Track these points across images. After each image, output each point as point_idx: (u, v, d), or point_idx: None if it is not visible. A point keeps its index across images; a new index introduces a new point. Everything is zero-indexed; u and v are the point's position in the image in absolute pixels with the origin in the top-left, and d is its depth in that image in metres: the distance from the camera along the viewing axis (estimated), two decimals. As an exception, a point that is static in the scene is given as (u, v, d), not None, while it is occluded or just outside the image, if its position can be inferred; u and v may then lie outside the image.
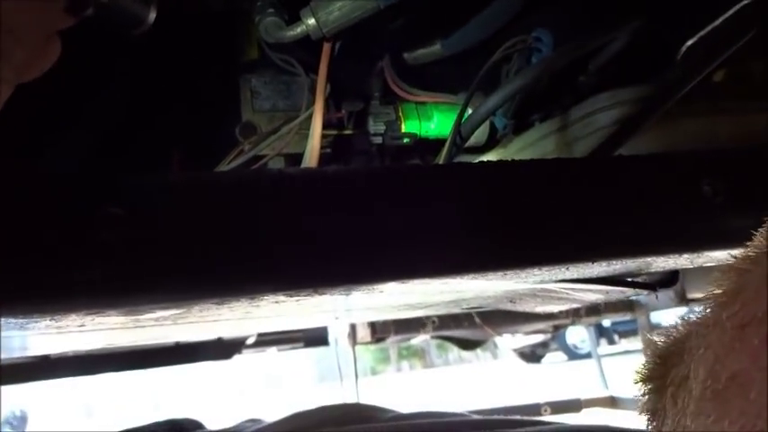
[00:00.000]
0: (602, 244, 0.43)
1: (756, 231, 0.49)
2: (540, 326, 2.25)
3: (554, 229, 0.42)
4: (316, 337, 2.18)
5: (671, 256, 0.45)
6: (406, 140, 0.70)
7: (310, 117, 0.60)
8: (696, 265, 0.51)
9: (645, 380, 0.25)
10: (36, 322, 0.41)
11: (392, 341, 2.29)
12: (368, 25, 0.66)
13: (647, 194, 0.44)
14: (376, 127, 0.70)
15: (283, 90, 0.73)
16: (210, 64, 0.74)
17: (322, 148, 0.72)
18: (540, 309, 0.70)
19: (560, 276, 0.49)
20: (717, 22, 0.64)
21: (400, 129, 0.70)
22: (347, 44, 0.72)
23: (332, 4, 0.53)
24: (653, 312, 2.35)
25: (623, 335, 7.83)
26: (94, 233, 0.37)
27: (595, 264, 0.44)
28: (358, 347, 2.19)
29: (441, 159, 0.61)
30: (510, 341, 7.29)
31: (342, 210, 0.40)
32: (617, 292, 0.57)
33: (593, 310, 2.18)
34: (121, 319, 0.47)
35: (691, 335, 0.24)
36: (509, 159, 0.44)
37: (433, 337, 2.39)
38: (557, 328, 2.44)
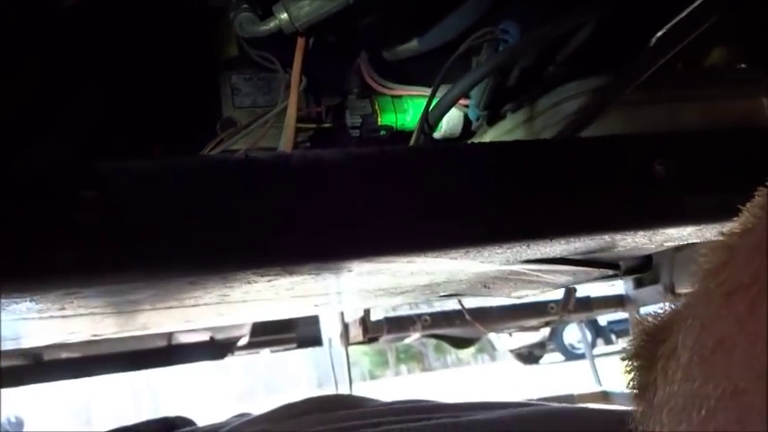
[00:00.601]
0: (556, 221, 0.45)
1: (712, 209, 0.51)
2: (532, 322, 2.27)
3: (510, 208, 0.44)
4: (308, 338, 2.20)
5: (625, 232, 0.47)
6: (382, 133, 0.72)
7: (285, 110, 0.62)
8: (656, 244, 0.53)
9: (632, 356, 0.26)
10: (16, 303, 0.43)
11: (385, 340, 2.31)
12: (343, 21, 0.68)
13: (600, 173, 0.46)
14: (353, 120, 0.72)
15: (263, 86, 0.75)
16: (191, 62, 0.76)
17: (302, 141, 0.74)
18: (515, 294, 0.72)
19: (523, 256, 0.51)
20: (684, 13, 0.66)
21: (377, 121, 0.72)
22: (325, 41, 0.74)
23: (303, -1, 0.56)
24: (643, 308, 2.37)
25: (620, 334, 7.84)
26: (69, 216, 0.39)
27: (553, 241, 0.46)
28: (355, 352, 2.20)
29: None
30: (507, 342, 7.31)
31: (304, 191, 0.42)
32: (583, 273, 0.59)
33: (583, 305, 2.19)
34: (100, 302, 0.48)
35: (679, 310, 0.24)
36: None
37: (425, 336, 2.41)
38: (547, 324, 2.46)
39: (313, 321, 2.16)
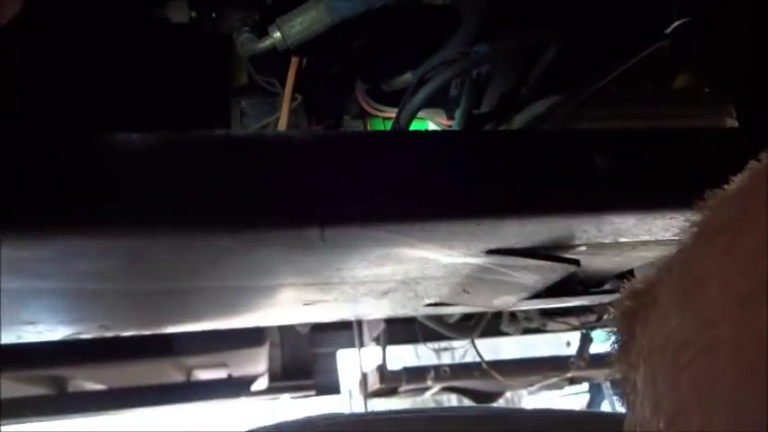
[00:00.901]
0: (504, 202, 0.50)
1: (650, 200, 0.55)
2: (553, 375, 2.23)
3: (462, 188, 0.50)
4: (327, 386, 2.24)
5: (566, 216, 0.51)
6: (373, 150, 0.79)
7: (277, 120, 0.69)
8: (607, 236, 0.57)
9: (618, 316, 0.26)
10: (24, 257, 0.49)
11: (405, 391, 2.30)
12: (343, 54, 0.77)
13: (544, 161, 0.51)
14: (346, 138, 0.79)
15: (269, 110, 0.83)
16: (207, 87, 0.85)
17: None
18: (496, 301, 0.76)
19: (481, 242, 0.55)
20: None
21: (368, 140, 0.79)
22: (328, 72, 0.82)
23: (294, 20, 0.64)
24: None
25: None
26: (65, 182, 0.46)
27: (503, 220, 0.51)
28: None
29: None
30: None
31: (275, 164, 0.48)
32: (548, 270, 0.62)
33: (605, 361, 2.16)
34: (97, 264, 0.54)
35: (665, 264, 0.24)
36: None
37: (445, 389, 2.39)
38: (572, 381, 2.41)
39: (332, 368, 2.20)
